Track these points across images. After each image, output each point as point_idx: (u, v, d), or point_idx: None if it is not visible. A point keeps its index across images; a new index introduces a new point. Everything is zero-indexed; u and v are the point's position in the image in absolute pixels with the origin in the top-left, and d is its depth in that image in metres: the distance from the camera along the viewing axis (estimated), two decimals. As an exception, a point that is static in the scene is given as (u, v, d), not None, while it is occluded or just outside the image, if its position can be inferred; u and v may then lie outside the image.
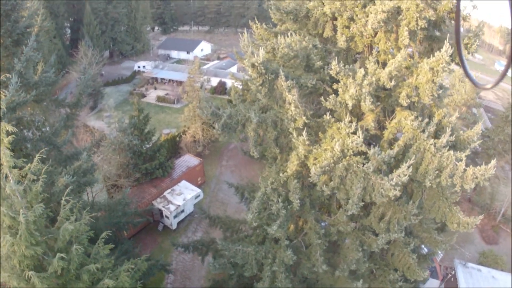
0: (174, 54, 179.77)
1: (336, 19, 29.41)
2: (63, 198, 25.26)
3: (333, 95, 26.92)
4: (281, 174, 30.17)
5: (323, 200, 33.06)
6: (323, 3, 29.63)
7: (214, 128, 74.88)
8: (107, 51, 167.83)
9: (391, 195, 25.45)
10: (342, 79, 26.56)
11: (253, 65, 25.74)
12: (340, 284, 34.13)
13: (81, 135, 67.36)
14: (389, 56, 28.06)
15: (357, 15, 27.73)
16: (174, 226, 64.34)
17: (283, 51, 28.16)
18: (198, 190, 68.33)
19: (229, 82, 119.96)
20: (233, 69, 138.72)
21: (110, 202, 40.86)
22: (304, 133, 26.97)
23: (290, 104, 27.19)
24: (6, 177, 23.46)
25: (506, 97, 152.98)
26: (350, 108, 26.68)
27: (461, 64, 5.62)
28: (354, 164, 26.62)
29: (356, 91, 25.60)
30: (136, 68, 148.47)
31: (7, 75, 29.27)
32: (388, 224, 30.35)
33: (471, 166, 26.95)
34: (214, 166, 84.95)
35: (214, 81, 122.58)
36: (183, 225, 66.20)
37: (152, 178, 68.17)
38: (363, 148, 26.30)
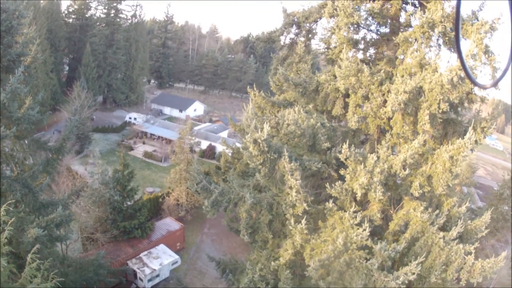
0: (167, 110, 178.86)
1: (348, 96, 27.56)
2: (29, 256, 21.76)
3: (339, 181, 24.74)
4: (272, 263, 27.50)
5: (312, 288, 29.78)
6: (335, 77, 27.73)
7: (199, 193, 72.01)
8: (101, 97, 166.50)
9: None
10: (351, 165, 24.29)
11: (255, 142, 23.74)
12: None
13: (62, 179, 64.96)
14: (401, 140, 25.29)
15: (372, 94, 25.86)
16: (147, 290, 60.53)
17: (290, 128, 25.85)
18: (176, 257, 65.18)
19: (219, 147, 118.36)
20: (224, 134, 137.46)
21: (83, 260, 37.66)
22: (303, 221, 24.60)
23: (291, 188, 24.74)
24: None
25: (496, 172, 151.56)
26: (358, 197, 24.30)
27: (461, 64, 5.53)
28: (357, 259, 24.29)
29: (367, 180, 22.67)
30: (127, 118, 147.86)
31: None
32: None
33: (479, 259, 25.26)
34: (195, 232, 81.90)
35: (204, 144, 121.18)
36: (157, 289, 62.40)
37: (130, 237, 65.16)
38: (369, 242, 23.74)
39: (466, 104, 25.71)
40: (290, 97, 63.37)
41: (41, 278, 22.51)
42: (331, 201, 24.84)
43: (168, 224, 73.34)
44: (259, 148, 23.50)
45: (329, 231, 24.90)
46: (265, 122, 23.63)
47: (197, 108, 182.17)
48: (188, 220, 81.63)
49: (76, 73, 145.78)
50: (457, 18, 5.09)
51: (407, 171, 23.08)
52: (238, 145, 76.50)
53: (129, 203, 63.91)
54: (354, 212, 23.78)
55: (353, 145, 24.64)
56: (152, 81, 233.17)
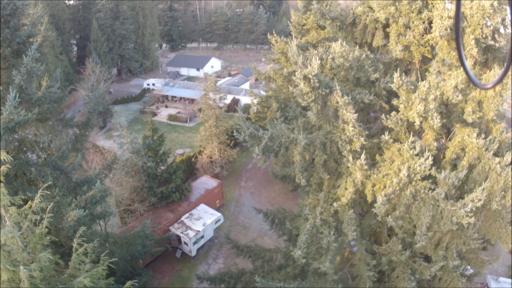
0: (184, 71, 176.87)
1: (388, 26, 25.94)
2: (75, 241, 20.61)
3: (394, 112, 23.09)
4: (334, 204, 25.76)
5: (374, 228, 28.91)
6: (373, 9, 26.22)
7: (232, 147, 70.78)
8: (115, 69, 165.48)
9: (464, 222, 21.92)
10: (403, 94, 22.84)
11: (305, 78, 22.19)
12: (389, 316, 29.78)
13: (91, 156, 63.80)
14: (446, 68, 24.03)
15: (413, 22, 24.45)
16: (193, 253, 60.03)
17: (337, 61, 24.30)
18: (218, 214, 64.00)
19: (243, 99, 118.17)
20: (246, 86, 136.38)
21: (128, 234, 36.30)
22: (362, 156, 23.18)
23: (347, 123, 23.36)
24: (1, 219, 18.53)
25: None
26: (417, 125, 22.67)
27: (461, 63, 5.44)
28: (422, 191, 22.82)
29: (423, 108, 21.41)
30: (145, 85, 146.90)
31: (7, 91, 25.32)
32: (446, 250, 26.45)
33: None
34: (232, 187, 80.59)
35: (228, 99, 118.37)
36: (203, 251, 61.93)
37: (168, 202, 64.17)
38: (433, 171, 22.31)
39: (502, 30, 24.36)
40: (312, 39, 62.30)
41: (89, 263, 21.57)
42: (386, 133, 23.61)
43: (205, 182, 71.99)
44: (310, 84, 22.28)
45: (388, 164, 23.63)
46: (314, 57, 22.30)
47: (214, 65, 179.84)
48: (224, 176, 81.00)
49: (86, 51, 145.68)
50: (457, 18, 5.09)
51: (459, 97, 21.85)
52: (263, 93, 75.29)
53: (162, 167, 62.84)
54: (413, 142, 22.59)
55: (403, 74, 23.43)
56: (164, 45, 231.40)
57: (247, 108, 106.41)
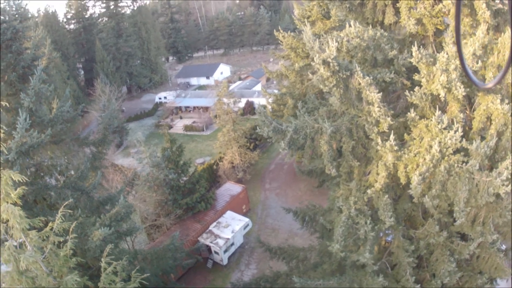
0: (194, 81, 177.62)
1: (398, 0, 24.85)
2: (103, 261, 19.77)
3: (417, 87, 22.11)
4: (368, 191, 24.75)
5: (409, 212, 27.92)
6: None
7: (252, 150, 70.38)
8: (125, 87, 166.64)
9: (502, 192, 20.91)
10: (423, 68, 21.94)
11: (325, 62, 21.12)
12: (431, 302, 28.66)
13: (111, 175, 62.76)
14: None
15: None
16: (225, 262, 59.11)
17: (354, 42, 23.37)
18: (246, 220, 63.08)
19: (256, 101, 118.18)
20: (258, 88, 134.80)
21: (157, 249, 35.59)
22: (391, 137, 22.17)
23: (372, 104, 22.34)
24: (21, 245, 17.57)
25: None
26: (442, 98, 21.98)
27: (461, 63, 5.48)
28: (456, 165, 21.85)
29: (446, 78, 20.45)
30: (157, 100, 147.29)
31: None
32: (483, 226, 25.09)
33: None
34: (257, 190, 79.84)
35: (241, 102, 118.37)
36: (234, 258, 61.05)
37: (194, 213, 63.56)
38: (464, 143, 21.39)
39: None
40: (319, 30, 61.64)
41: (120, 282, 20.76)
42: (412, 110, 22.63)
43: (229, 189, 71.27)
44: (330, 68, 21.30)
45: (417, 142, 22.69)
46: (330, 40, 21.37)
47: (223, 71, 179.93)
48: (247, 180, 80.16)
49: (93, 73, 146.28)
50: (457, 17, 5.15)
51: (479, 64, 20.87)
52: (276, 91, 75.00)
53: (184, 178, 62.19)
54: (440, 116, 21.60)
55: (421, 47, 22.46)
56: (171, 57, 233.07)
57: (264, 107, 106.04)
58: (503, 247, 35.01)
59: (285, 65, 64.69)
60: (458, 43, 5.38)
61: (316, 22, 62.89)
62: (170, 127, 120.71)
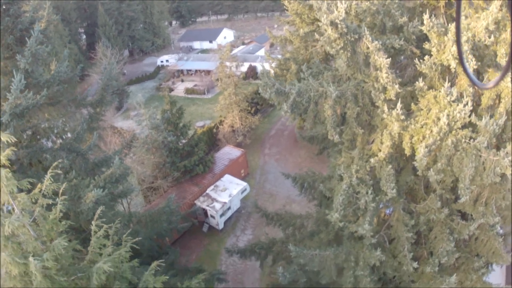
0: (197, 45, 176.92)
1: None
2: (93, 223, 19.36)
3: (427, 56, 21.38)
4: (372, 160, 24.18)
5: (411, 185, 27.30)
6: None
7: (253, 114, 70.04)
8: (127, 50, 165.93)
9: (508, 173, 20.72)
10: (434, 37, 21.18)
11: (332, 23, 20.32)
12: (426, 281, 28.32)
13: (109, 138, 62.62)
14: (471, 11, 22.31)
15: None
16: (221, 226, 59.17)
17: (364, 5, 22.85)
18: (244, 184, 62.99)
19: (259, 66, 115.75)
20: (261, 53, 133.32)
21: (152, 212, 35.12)
22: (398, 105, 21.44)
23: (379, 70, 21.59)
24: (9, 208, 17.15)
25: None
26: (452, 69, 21.28)
27: (461, 63, 5.26)
28: (463, 140, 21.22)
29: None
30: (159, 63, 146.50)
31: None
32: (485, 206, 24.75)
33: None
34: (256, 155, 79.60)
35: (244, 66, 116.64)
36: (230, 223, 61.12)
37: (192, 176, 63.42)
38: (473, 119, 20.76)
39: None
40: None
41: (112, 246, 20.36)
42: (420, 79, 21.97)
43: (228, 152, 71.25)
44: (338, 30, 20.55)
45: (425, 113, 21.92)
46: (339, 1, 20.70)
47: (226, 35, 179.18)
48: (247, 144, 79.86)
49: (95, 37, 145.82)
50: (457, 17, 5.13)
51: (491, 38, 20.22)
52: (279, 56, 74.61)
53: (183, 141, 61.91)
54: (449, 87, 20.97)
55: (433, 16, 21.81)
56: (174, 22, 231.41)
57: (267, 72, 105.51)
58: (502, 231, 34.92)
59: (289, 31, 64.34)
60: (458, 43, 5.40)
61: None
62: (171, 90, 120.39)
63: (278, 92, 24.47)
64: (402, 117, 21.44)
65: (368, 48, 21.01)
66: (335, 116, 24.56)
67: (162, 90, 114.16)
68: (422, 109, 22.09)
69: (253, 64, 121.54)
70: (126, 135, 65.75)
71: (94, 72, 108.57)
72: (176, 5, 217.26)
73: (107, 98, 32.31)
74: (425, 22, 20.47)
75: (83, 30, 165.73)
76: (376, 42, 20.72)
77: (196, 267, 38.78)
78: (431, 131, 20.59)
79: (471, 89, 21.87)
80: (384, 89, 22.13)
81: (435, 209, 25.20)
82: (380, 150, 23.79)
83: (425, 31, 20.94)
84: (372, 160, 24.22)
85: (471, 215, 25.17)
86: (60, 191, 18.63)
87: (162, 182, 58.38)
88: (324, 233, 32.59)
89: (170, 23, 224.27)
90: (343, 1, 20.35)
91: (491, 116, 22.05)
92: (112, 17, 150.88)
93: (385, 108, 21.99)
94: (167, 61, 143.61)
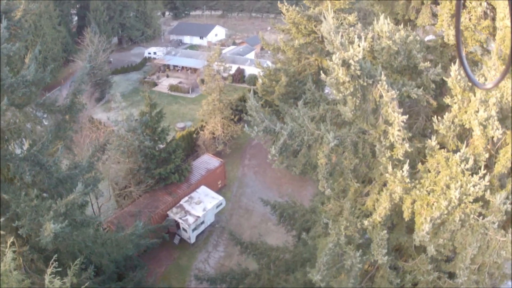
0: (187, 39, 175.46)
1: (437, 3, 21.39)
2: (46, 279, 17.40)
3: (446, 114, 18.86)
4: (365, 222, 21.74)
5: (402, 243, 24.74)
6: None
7: (236, 122, 67.98)
8: (116, 38, 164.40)
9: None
10: (459, 91, 18.37)
11: (345, 63, 17.43)
12: None
13: (86, 132, 61.49)
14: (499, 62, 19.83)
15: (470, 1, 19.35)
16: (192, 240, 57.37)
17: (383, 43, 19.71)
18: (220, 198, 60.96)
19: (248, 69, 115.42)
20: (251, 55, 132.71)
21: (118, 236, 32.83)
22: (405, 167, 18.86)
23: (390, 125, 18.90)
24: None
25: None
26: (476, 136, 18.64)
27: (461, 63, 5.54)
28: (471, 216, 18.72)
29: (485, 113, 17.38)
30: (146, 54, 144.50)
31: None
32: (478, 274, 21.96)
33: None
34: (235, 166, 77.69)
35: (232, 68, 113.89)
36: (203, 237, 59.29)
37: (166, 184, 60.96)
38: (487, 195, 18.19)
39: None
40: (326, 9, 59.00)
41: (71, 277, 19.10)
42: (433, 137, 19.29)
43: (207, 161, 69.14)
44: (349, 71, 17.60)
45: (432, 176, 19.43)
46: (360, 38, 17.84)
47: (218, 33, 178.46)
48: (226, 154, 77.74)
49: (85, 21, 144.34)
50: (457, 18, 5.23)
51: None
52: (270, 64, 72.45)
53: (161, 146, 59.75)
54: (464, 153, 18.31)
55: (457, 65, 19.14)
56: (167, 13, 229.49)
57: (252, 79, 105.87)
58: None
59: (284, 40, 62.69)
60: (458, 43, 5.37)
61: (325, 0, 60.29)
62: (155, 84, 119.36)
63: (267, 131, 21.93)
64: (407, 179, 18.79)
65: (381, 96, 18.32)
66: (329, 165, 21.91)
67: (146, 84, 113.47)
68: (429, 171, 19.53)
69: (241, 67, 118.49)
70: (103, 133, 63.52)
71: (80, 58, 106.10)
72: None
73: (77, 105, 29.74)
74: (452, 73, 17.81)
75: (75, 11, 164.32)
76: (392, 91, 18.04)
77: (164, 288, 37.04)
78: (438, 202, 18.09)
79: (486, 155, 19.29)
80: (392, 147, 19.46)
81: (424, 271, 22.91)
82: (375, 209, 21.35)
83: (449, 84, 18.28)
84: (365, 222, 21.84)
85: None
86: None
87: (135, 189, 56.57)
88: (300, 273, 30.43)
89: (164, 14, 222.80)
90: (362, 37, 17.69)
91: (502, 186, 19.71)
92: (105, 2, 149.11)
93: (389, 167, 19.29)
94: (154, 53, 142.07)
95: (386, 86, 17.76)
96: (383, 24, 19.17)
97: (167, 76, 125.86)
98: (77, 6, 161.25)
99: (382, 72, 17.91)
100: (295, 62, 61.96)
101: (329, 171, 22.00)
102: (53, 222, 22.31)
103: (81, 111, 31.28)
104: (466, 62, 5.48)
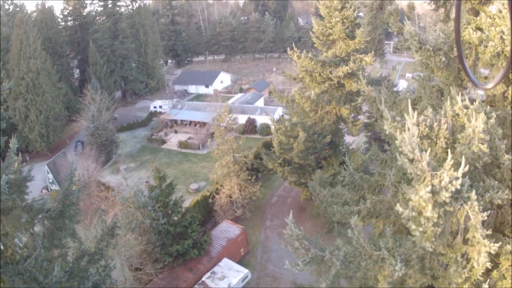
0: (192, 89, 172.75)
1: None
2: None
3: None
4: None
5: None
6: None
7: (253, 183, 63.07)
8: (119, 92, 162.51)
9: None
10: None
11: (434, 193, 13.48)
12: None
13: (94, 198, 60.77)
14: None
15: None
16: (218, 319, 52.33)
17: (475, 148, 15.39)
18: (245, 271, 56.57)
19: (259, 119, 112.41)
20: (260, 103, 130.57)
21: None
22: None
23: (477, 253, 15.01)
24: None
25: None
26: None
27: (461, 63, 5.55)
28: None
29: None
30: (152, 108, 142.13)
31: None
32: None
33: None
34: (257, 229, 72.67)
35: (242, 119, 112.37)
36: (228, 314, 54.16)
37: (185, 259, 56.64)
38: None
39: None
40: (340, 51, 54.85)
41: None
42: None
43: (226, 230, 64.55)
44: (435, 198, 13.54)
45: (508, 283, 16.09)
46: (429, 125, 13.03)
47: (223, 79, 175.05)
48: (246, 218, 72.68)
49: (86, 75, 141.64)
50: (457, 18, 5.16)
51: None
52: (281, 113, 68.22)
53: (175, 218, 55.31)
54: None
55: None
56: (169, 61, 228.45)
57: (264, 128, 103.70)
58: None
59: (299, 93, 58.41)
60: (458, 44, 5.23)
61: (337, 42, 56.41)
62: (164, 142, 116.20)
63: (314, 260, 17.13)
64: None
65: (469, 219, 13.36)
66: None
67: (155, 142, 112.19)
68: (505, 277, 15.72)
69: (252, 116, 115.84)
70: (111, 202, 59.57)
71: (82, 118, 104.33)
72: (172, 43, 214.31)
73: (70, 210, 25.16)
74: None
75: (76, 64, 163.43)
76: (484, 213, 13.21)
77: None
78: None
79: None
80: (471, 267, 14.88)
81: None
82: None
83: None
84: None
85: None
86: None
87: (151, 269, 52.03)
88: None
89: (166, 62, 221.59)
90: (459, 153, 12.86)
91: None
92: (104, 55, 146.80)
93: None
94: (160, 107, 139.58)
95: (477, 207, 12.89)
96: (478, 122, 14.17)
97: (175, 132, 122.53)
98: (78, 57, 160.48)
99: (474, 192, 13.04)
100: (312, 113, 58.69)
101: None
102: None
103: (75, 217, 26.14)
104: (466, 62, 5.19)
